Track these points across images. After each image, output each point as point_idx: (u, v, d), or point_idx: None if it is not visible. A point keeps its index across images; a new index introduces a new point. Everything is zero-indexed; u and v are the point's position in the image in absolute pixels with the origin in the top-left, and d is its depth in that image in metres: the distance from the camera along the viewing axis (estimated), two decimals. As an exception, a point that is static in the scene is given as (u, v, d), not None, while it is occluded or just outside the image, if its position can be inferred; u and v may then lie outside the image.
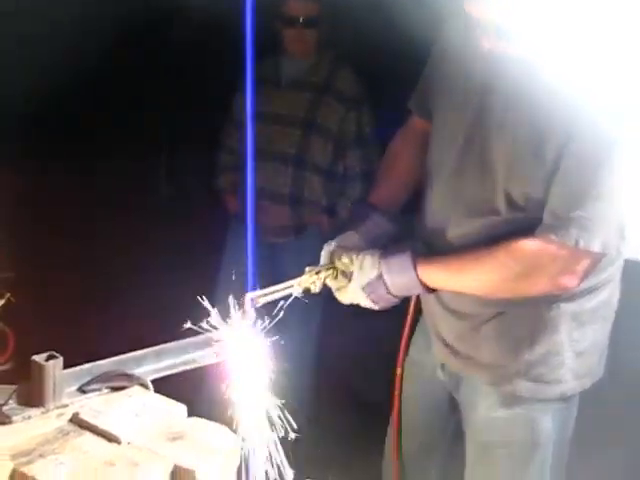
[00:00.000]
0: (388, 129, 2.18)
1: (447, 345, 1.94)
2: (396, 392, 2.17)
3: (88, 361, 1.54)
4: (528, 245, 1.62)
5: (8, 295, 2.47)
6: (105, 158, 5.27)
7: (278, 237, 3.24)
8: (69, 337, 2.58)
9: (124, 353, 1.59)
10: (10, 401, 1.39)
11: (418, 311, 2.12)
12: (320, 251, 3.14)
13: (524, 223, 1.65)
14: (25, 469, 1.21)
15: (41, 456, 1.25)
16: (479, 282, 1.69)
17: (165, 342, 1.65)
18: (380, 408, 2.29)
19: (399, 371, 2.16)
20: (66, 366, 1.49)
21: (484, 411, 1.90)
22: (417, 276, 1.71)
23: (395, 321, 2.14)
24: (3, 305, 2.47)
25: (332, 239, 1.88)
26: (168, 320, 1.68)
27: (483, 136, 1.69)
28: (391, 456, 2.19)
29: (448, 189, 1.78)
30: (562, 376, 1.82)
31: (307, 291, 1.80)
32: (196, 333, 1.67)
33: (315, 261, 3.01)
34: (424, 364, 2.08)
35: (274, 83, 3.21)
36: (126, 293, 3.74)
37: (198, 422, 1.38)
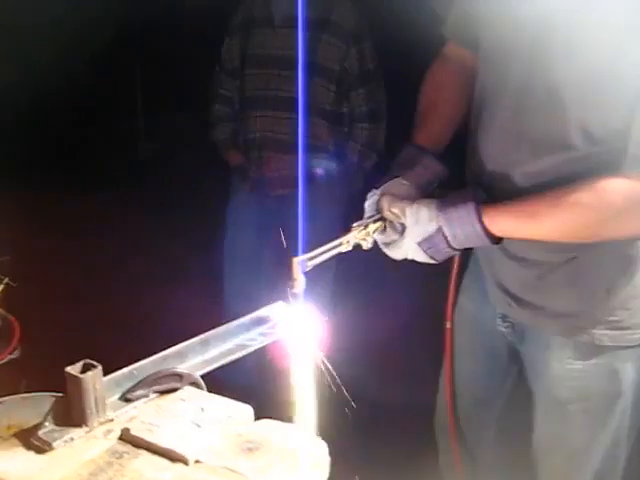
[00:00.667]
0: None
1: (510, 295, 1.75)
2: (447, 347, 2.00)
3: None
4: (616, 184, 1.41)
5: (6, 280, 2.26)
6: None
7: (284, 189, 3.00)
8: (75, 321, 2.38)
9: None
10: (46, 423, 1.18)
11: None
12: (330, 201, 2.99)
13: (604, 158, 1.44)
14: (82, 511, 1.01)
15: (97, 490, 1.05)
16: (557, 229, 1.49)
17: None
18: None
19: (448, 325, 1.99)
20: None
21: (557, 364, 1.72)
22: (483, 228, 1.50)
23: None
24: (3, 291, 2.26)
25: (375, 187, 1.67)
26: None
27: (547, 60, 1.46)
28: (446, 412, 2.03)
29: (508, 126, 1.56)
30: None
31: (358, 247, 1.60)
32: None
33: (326, 212, 2.84)
34: (479, 315, 1.91)
35: (266, 22, 2.93)
36: (131, 263, 3.52)
37: (272, 425, 1.18)
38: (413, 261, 1.63)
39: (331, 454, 1.12)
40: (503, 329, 1.84)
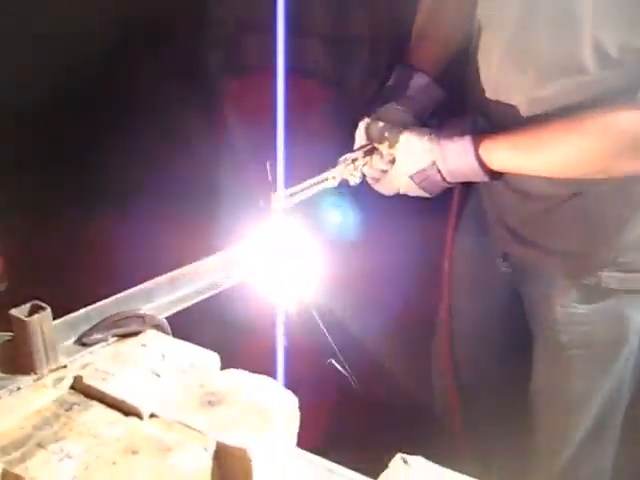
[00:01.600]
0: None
1: (511, 231, 1.62)
2: (445, 286, 1.88)
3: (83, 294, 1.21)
4: (627, 114, 1.25)
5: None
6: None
7: (280, 119, 2.84)
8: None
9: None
10: (-10, 369, 1.07)
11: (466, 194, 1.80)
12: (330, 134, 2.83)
13: (619, 84, 1.28)
14: (19, 469, 0.90)
15: (40, 446, 0.94)
16: (560, 163, 1.35)
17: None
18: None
19: (446, 266, 1.86)
20: (61, 304, 1.17)
21: (561, 308, 1.61)
22: (480, 163, 1.36)
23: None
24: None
25: (366, 114, 1.52)
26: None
27: None
28: (440, 359, 1.93)
29: (511, 47, 1.41)
30: None
31: (345, 183, 1.46)
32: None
33: (326, 145, 2.68)
34: (479, 254, 1.78)
35: None
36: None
37: (238, 376, 1.06)
38: (405, 196, 1.50)
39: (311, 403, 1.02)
40: (504, 269, 1.72)
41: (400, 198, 1.54)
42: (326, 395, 1.92)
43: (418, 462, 0.88)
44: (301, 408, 1.01)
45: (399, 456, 0.89)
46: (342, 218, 1.61)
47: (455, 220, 1.84)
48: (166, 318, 1.24)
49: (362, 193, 1.57)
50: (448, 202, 1.83)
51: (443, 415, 2.04)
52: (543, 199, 1.53)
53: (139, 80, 2.72)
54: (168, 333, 1.20)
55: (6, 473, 0.90)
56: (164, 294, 1.28)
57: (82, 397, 1.04)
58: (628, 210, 1.47)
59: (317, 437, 1.05)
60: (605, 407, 1.70)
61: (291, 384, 1.04)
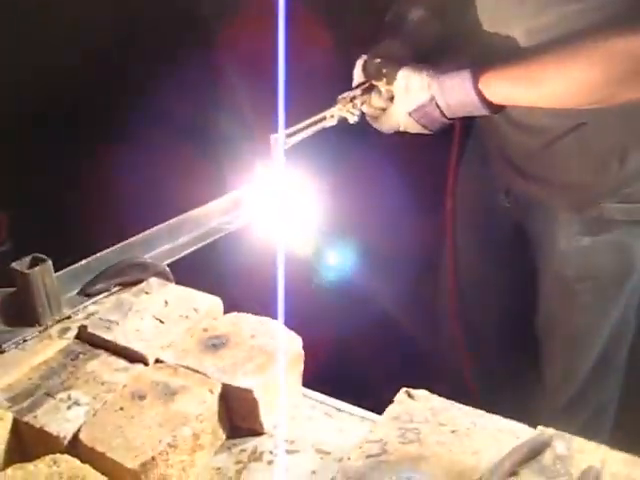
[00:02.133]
0: None
1: (514, 166, 1.60)
2: (448, 226, 1.87)
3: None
4: (631, 39, 1.22)
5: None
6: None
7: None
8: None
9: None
10: (-5, 322, 1.08)
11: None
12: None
13: (621, 11, 1.24)
14: (29, 418, 0.91)
15: (48, 395, 0.95)
16: (564, 93, 1.31)
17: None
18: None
19: (449, 202, 1.85)
20: (65, 255, 1.17)
21: (564, 241, 1.59)
22: (480, 96, 1.34)
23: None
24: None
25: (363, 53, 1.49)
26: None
27: None
28: (446, 292, 1.93)
29: None
30: None
31: (344, 121, 1.44)
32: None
33: (330, 89, 2.63)
34: (481, 190, 1.76)
35: None
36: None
37: (242, 319, 1.07)
38: (405, 133, 1.48)
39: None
40: (507, 204, 1.70)
41: (402, 135, 1.52)
42: (328, 336, 1.92)
43: (423, 395, 0.89)
44: (305, 349, 1.02)
45: (404, 390, 0.90)
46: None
47: (457, 157, 1.81)
48: (168, 265, 1.24)
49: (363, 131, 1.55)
50: (451, 133, 1.80)
51: (448, 352, 2.04)
52: (544, 132, 1.50)
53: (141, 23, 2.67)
54: (171, 280, 1.20)
55: (17, 422, 0.92)
56: (165, 242, 1.28)
57: (87, 346, 1.05)
58: (630, 139, 1.44)
59: (322, 377, 1.05)
60: (610, 341, 1.69)
61: (294, 326, 1.04)
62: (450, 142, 1.81)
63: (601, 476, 0.75)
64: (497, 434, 0.83)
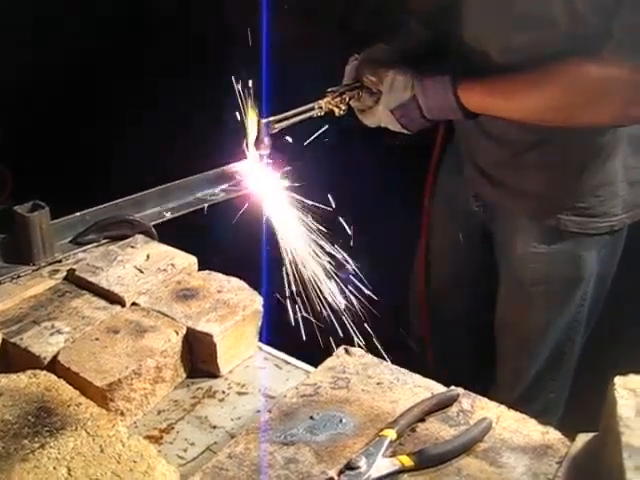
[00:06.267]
0: None
1: (483, 173, 1.72)
2: (424, 223, 2.00)
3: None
4: (595, 67, 1.35)
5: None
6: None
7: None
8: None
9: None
10: (-6, 258, 1.22)
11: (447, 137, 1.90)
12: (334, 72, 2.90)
13: (586, 40, 1.38)
14: (16, 339, 1.05)
15: (34, 323, 1.09)
16: (528, 109, 1.45)
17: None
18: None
19: (426, 202, 1.98)
20: (65, 207, 1.31)
21: (522, 246, 1.71)
22: (457, 100, 1.47)
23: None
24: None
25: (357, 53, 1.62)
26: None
27: None
28: (418, 286, 2.05)
29: None
30: (612, 208, 1.62)
31: (330, 113, 1.56)
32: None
33: (329, 83, 2.75)
34: (455, 193, 1.89)
35: None
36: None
37: (212, 276, 1.21)
38: (387, 129, 1.60)
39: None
40: (475, 208, 1.83)
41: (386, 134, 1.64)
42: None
43: (359, 352, 1.03)
44: (265, 307, 1.15)
45: (343, 347, 1.03)
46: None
47: (437, 160, 1.94)
48: (155, 226, 1.37)
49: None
50: (434, 140, 1.93)
51: (416, 348, 2.16)
52: (512, 144, 1.63)
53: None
54: (155, 238, 1.34)
55: (5, 342, 1.05)
56: (154, 204, 1.42)
57: (74, 287, 1.19)
58: (588, 158, 1.57)
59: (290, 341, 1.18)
60: (560, 344, 1.80)
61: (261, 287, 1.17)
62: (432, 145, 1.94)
63: (494, 427, 0.89)
64: (415, 389, 0.96)
